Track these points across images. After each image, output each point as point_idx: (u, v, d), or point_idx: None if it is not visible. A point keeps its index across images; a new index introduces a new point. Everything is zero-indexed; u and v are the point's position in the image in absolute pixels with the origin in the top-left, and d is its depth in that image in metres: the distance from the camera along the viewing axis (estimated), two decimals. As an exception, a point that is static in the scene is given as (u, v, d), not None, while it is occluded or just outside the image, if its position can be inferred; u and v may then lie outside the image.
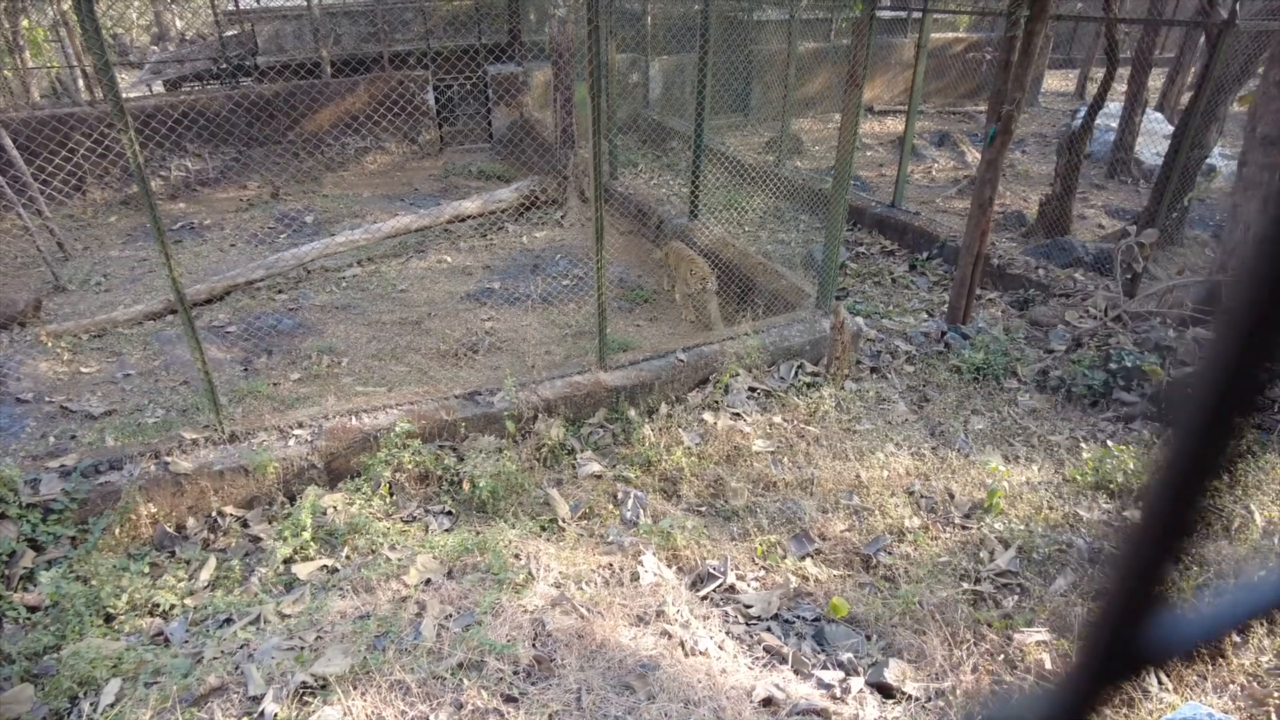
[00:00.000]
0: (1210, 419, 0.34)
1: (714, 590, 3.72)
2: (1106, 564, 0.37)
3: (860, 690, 3.12)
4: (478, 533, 3.95)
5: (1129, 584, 0.36)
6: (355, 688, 2.91)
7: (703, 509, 4.41)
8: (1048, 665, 3.10)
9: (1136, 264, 6.74)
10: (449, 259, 8.02)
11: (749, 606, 3.63)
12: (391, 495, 4.39)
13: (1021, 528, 4.01)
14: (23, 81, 10.47)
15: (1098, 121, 8.54)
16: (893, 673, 3.19)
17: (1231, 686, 3.03)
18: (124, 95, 4.03)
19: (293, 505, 4.27)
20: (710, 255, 6.79)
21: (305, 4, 11.19)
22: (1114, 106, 11.51)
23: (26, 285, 6.97)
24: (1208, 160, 8.56)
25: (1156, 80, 13.32)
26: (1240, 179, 6.02)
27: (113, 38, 17.88)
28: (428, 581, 3.59)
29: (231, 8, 12.31)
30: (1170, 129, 11.81)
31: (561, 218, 9.02)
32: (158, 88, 12.22)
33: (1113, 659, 0.37)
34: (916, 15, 12.54)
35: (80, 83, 11.60)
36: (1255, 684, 3.04)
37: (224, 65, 11.50)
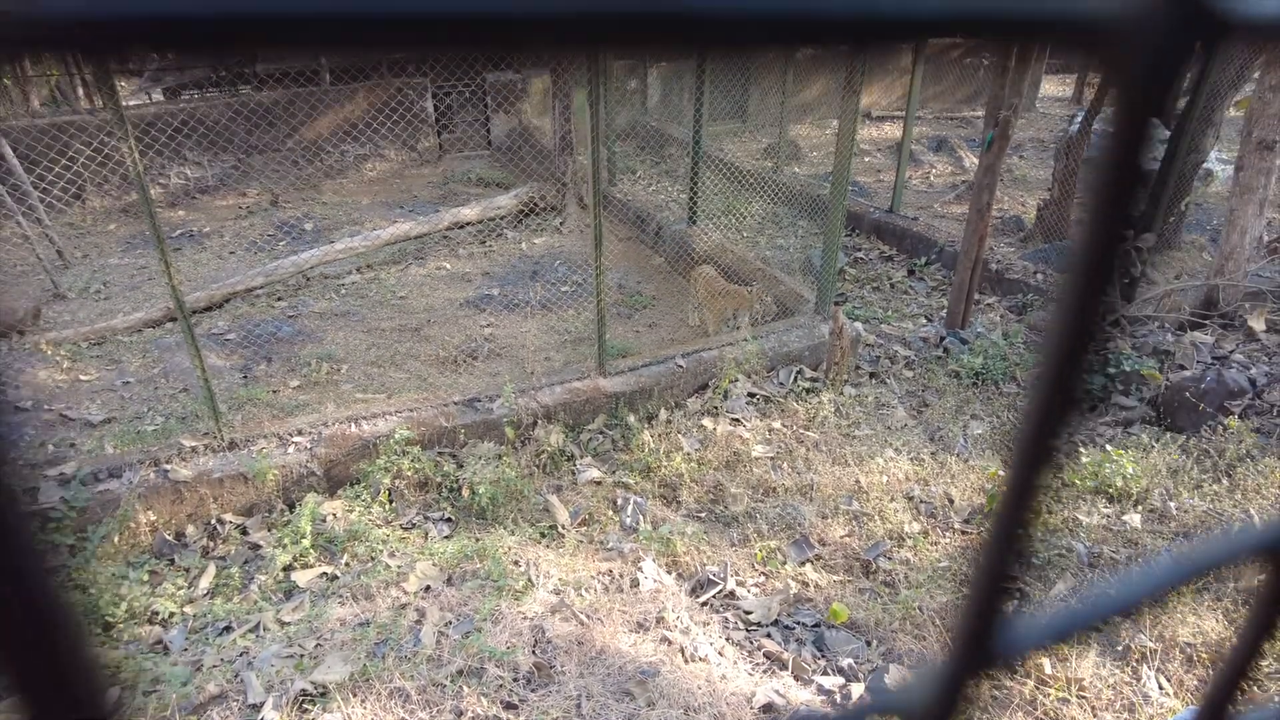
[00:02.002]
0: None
1: (714, 596, 3.71)
2: (971, 567, 0.40)
3: (860, 696, 3.11)
4: (477, 539, 3.95)
5: (983, 587, 0.39)
6: (355, 695, 2.90)
7: (702, 515, 4.41)
8: (1047, 669, 3.09)
9: (1134, 268, 6.75)
10: (448, 266, 8.03)
11: (749, 612, 3.63)
12: (391, 502, 4.38)
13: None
14: (22, 90, 10.50)
15: (1095, 126, 8.56)
16: (893, 678, 3.19)
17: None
18: (123, 103, 4.04)
19: (292, 512, 4.27)
20: (709, 261, 6.80)
21: (304, 12, 11.20)
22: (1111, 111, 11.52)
23: (26, 293, 6.97)
24: (1204, 165, 8.58)
25: (1153, 85, 13.34)
26: (1237, 183, 6.04)
27: None
28: (427, 588, 3.59)
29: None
30: (1167, 134, 11.85)
31: (560, 224, 9.03)
32: (157, 95, 12.24)
33: (974, 653, 0.40)
34: None
35: (80, 90, 11.64)
36: (1256, 688, 3.04)
37: (223, 73, 11.53)
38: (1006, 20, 0.27)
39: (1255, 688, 0.49)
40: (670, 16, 0.23)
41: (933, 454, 4.81)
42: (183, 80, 12.31)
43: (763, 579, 3.89)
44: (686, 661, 3.16)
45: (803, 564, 3.97)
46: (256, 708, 2.92)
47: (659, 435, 4.92)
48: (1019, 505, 0.37)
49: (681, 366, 5.31)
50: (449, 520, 4.35)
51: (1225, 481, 4.31)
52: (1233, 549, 0.47)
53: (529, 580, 3.57)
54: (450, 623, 3.31)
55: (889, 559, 3.97)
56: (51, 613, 0.25)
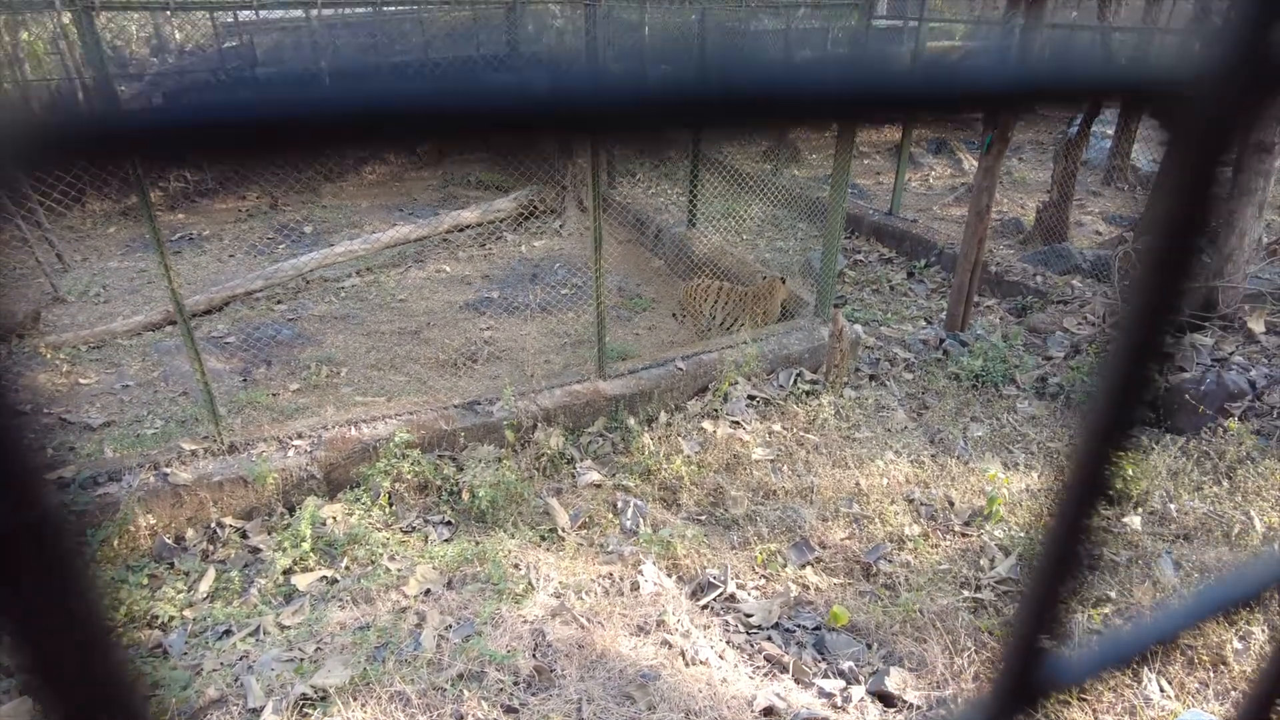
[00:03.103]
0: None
1: (714, 599, 3.71)
2: (1018, 601, 0.40)
3: (861, 699, 3.11)
4: (477, 543, 3.95)
5: (1030, 623, 0.39)
6: (355, 699, 2.90)
7: (702, 517, 4.41)
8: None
9: (1134, 270, 6.75)
10: (448, 269, 8.03)
11: (749, 615, 3.62)
12: (391, 505, 4.38)
13: (1022, 535, 4.01)
14: (23, 94, 10.51)
15: (1094, 129, 8.58)
16: (894, 681, 3.19)
17: (1233, 693, 3.03)
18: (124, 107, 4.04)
19: (292, 516, 4.27)
20: (709, 263, 6.80)
21: (304, 16, 11.24)
22: (1110, 114, 11.55)
23: (25, 296, 6.97)
24: (1203, 167, 8.57)
25: (1152, 87, 13.36)
26: (1235, 185, 6.04)
27: (112, 50, 17.97)
28: (427, 592, 3.58)
29: (230, 20, 12.37)
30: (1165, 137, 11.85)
31: (560, 227, 9.04)
32: (157, 100, 12.24)
33: (1018, 689, 0.40)
34: (913, 24, 12.61)
35: (80, 95, 11.64)
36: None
37: (223, 77, 11.53)
38: (1078, 88, 0.28)
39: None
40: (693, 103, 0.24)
41: (933, 456, 4.81)
42: (182, 84, 12.32)
43: (763, 582, 3.89)
44: (687, 665, 3.15)
45: (803, 567, 3.97)
46: (256, 712, 2.91)
47: (659, 438, 4.92)
48: (1068, 538, 0.37)
49: (681, 369, 5.31)
50: (449, 523, 4.34)
51: (1225, 483, 4.30)
52: (1265, 579, 0.47)
53: (529, 583, 3.57)
54: (450, 626, 3.31)
55: (889, 561, 3.96)
56: (95, 631, 0.26)
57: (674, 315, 6.69)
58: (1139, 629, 0.45)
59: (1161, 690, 3.05)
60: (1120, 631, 0.44)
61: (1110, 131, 11.22)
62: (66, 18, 11.56)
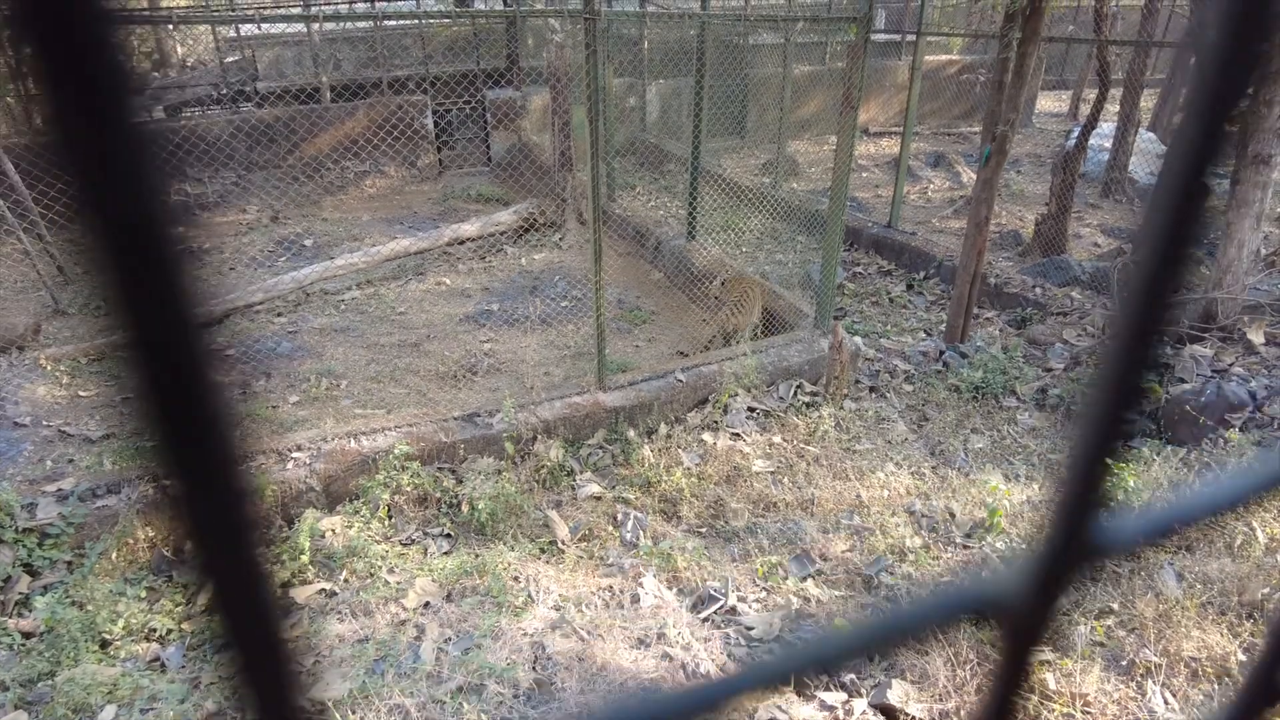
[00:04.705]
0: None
1: (715, 612, 3.69)
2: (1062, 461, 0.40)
3: (863, 712, 3.09)
4: (477, 555, 3.93)
5: (1078, 480, 0.39)
6: (354, 712, 2.88)
7: (703, 530, 4.39)
8: (1051, 685, 3.07)
9: (1126, 282, 6.76)
10: (448, 281, 8.05)
11: (751, 628, 3.60)
12: (390, 518, 4.37)
13: (1023, 547, 3.99)
14: (25, 108, 10.55)
15: (1091, 141, 8.62)
16: (896, 694, 3.17)
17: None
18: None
19: (291, 528, 4.25)
20: (708, 276, 6.81)
21: (305, 30, 11.32)
22: (1107, 127, 11.62)
23: (26, 309, 6.97)
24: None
25: (1149, 101, 13.46)
26: (1233, 197, 6.06)
27: (114, 65, 18.01)
28: (426, 605, 3.57)
29: (232, 34, 12.44)
30: (1163, 148, 11.92)
31: (560, 240, 9.06)
32: (158, 113, 12.31)
33: (1071, 543, 0.40)
34: (910, 38, 12.70)
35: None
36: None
37: (224, 91, 11.60)
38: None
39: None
40: None
41: (933, 468, 4.80)
42: (184, 98, 12.39)
43: (764, 594, 3.87)
44: (688, 678, 3.13)
45: (804, 579, 3.95)
46: (254, 726, 2.89)
47: (659, 450, 4.91)
48: (1118, 387, 0.36)
49: (681, 381, 5.31)
50: (448, 536, 4.33)
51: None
52: None
53: (529, 596, 3.55)
54: (450, 639, 3.29)
55: (890, 574, 3.95)
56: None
57: (714, 295, 6.62)
58: (1189, 499, 0.44)
59: (1165, 702, 3.03)
60: (1172, 500, 0.44)
61: (1108, 144, 11.27)
62: (70, 33, 11.61)
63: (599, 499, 4.56)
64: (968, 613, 0.43)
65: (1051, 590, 0.40)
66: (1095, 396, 0.36)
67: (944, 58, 16.37)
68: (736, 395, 5.35)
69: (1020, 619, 0.41)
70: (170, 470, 0.28)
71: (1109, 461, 0.37)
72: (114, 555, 3.97)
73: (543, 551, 4.15)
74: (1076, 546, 0.39)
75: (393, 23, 12.14)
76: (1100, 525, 0.39)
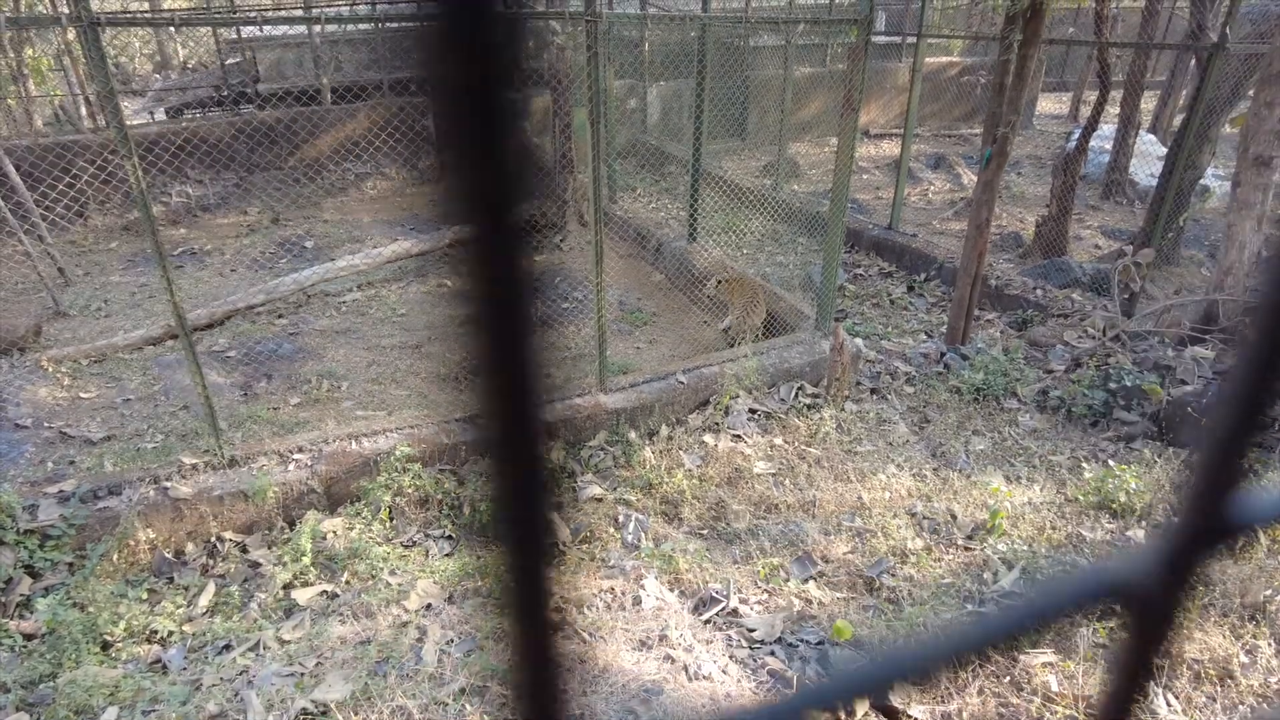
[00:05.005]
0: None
1: (717, 614, 3.69)
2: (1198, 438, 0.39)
3: (865, 714, 3.09)
4: (478, 557, 3.93)
5: (1215, 455, 0.38)
6: (356, 714, 2.88)
7: (704, 532, 4.39)
8: (1054, 687, 3.07)
9: (1133, 284, 6.78)
10: (449, 283, 8.05)
11: (752, 630, 3.60)
12: (391, 520, 4.37)
13: (1024, 548, 3.99)
14: (26, 110, 10.56)
15: (1092, 143, 8.62)
16: (897, 696, 3.16)
17: (1241, 708, 3.01)
18: (127, 122, 4.07)
19: (292, 530, 4.25)
20: (708, 278, 6.82)
21: (306, 32, 11.33)
22: (1107, 129, 11.63)
23: (27, 310, 6.98)
24: (1201, 181, 8.63)
25: (1149, 103, 13.47)
26: (1234, 199, 6.07)
27: (116, 66, 18.08)
28: (428, 606, 3.57)
29: (233, 36, 12.46)
30: (1163, 150, 11.92)
31: (561, 241, 9.07)
32: (160, 115, 12.33)
33: (1206, 523, 0.39)
34: (911, 40, 12.71)
35: (83, 110, 11.71)
36: (1265, 704, 3.02)
37: (226, 93, 11.61)
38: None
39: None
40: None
41: (935, 470, 4.80)
42: (185, 100, 12.40)
43: (766, 596, 3.87)
44: (690, 680, 3.13)
45: (806, 581, 3.95)
46: (256, 728, 2.89)
47: (660, 452, 4.91)
48: (1262, 363, 0.36)
49: (682, 383, 5.31)
50: (450, 538, 4.33)
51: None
52: None
53: (531, 598, 3.55)
54: (452, 641, 3.29)
55: (892, 576, 3.94)
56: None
57: (710, 295, 6.68)
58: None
59: (1168, 705, 3.03)
60: None
61: (1108, 146, 11.28)
62: (71, 35, 11.64)
63: (600, 501, 4.56)
64: (1096, 601, 0.42)
65: (1185, 571, 0.39)
66: (1239, 376, 0.36)
67: (944, 60, 16.38)
68: (738, 397, 5.35)
69: (1152, 602, 0.40)
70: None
71: (1250, 439, 0.36)
72: (115, 557, 3.97)
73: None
74: (1214, 524, 0.38)
75: (394, 24, 12.14)
76: (1237, 501, 0.39)
